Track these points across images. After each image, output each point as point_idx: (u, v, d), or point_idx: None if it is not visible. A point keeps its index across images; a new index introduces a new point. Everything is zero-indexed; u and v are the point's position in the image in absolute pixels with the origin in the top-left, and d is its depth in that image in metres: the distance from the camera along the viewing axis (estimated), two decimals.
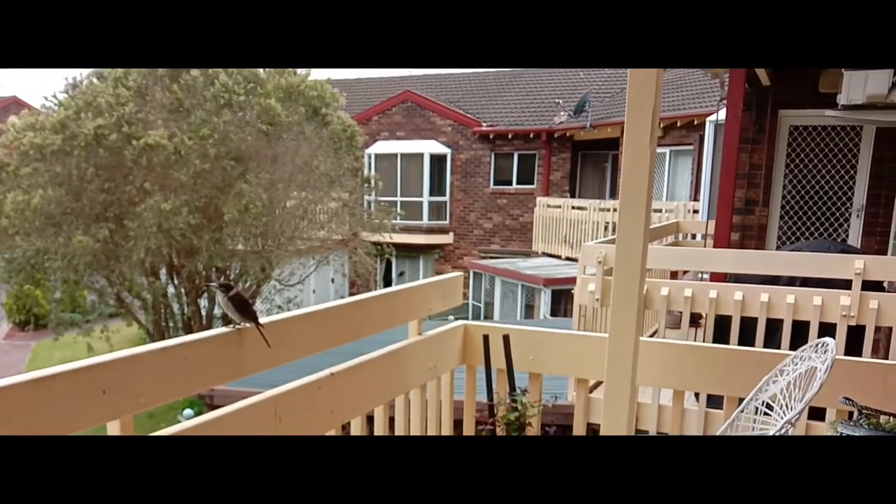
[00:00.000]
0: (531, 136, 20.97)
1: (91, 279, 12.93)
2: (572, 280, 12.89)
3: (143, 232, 11.63)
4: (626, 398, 2.99)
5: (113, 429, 1.75)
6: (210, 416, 2.03)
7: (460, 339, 3.43)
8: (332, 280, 20.28)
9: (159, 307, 13.51)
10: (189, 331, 12.97)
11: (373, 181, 18.14)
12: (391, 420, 2.92)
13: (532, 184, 21.33)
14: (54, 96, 14.11)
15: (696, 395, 4.34)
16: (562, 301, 15.53)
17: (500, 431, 3.19)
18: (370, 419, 2.77)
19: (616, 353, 2.96)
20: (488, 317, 18.31)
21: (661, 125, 16.48)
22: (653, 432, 4.64)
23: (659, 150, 16.67)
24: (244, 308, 2.09)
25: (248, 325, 2.08)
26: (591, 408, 3.79)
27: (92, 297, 13.96)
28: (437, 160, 21.89)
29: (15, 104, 28.19)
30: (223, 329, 2.04)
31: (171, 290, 13.73)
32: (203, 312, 13.86)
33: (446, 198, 22.04)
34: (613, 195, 19.38)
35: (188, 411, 8.28)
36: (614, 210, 16.22)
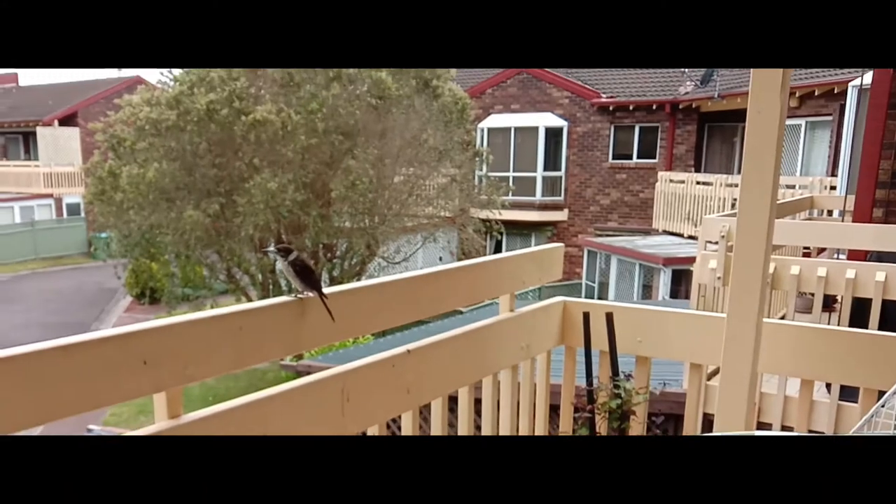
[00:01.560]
0: (654, 107, 20.21)
1: (202, 254, 13.43)
2: (694, 259, 12.33)
3: (252, 208, 11.95)
4: (745, 387, 2.69)
5: (159, 402, 1.66)
6: (274, 391, 1.91)
7: (558, 317, 3.21)
8: (440, 258, 20.33)
9: (267, 283, 13.89)
10: None
11: (484, 155, 17.97)
12: (477, 402, 2.74)
13: (654, 158, 20.62)
14: (170, 72, 14.68)
15: (828, 385, 3.96)
16: (683, 282, 14.93)
17: (599, 420, 2.96)
18: (453, 400, 2.61)
19: (735, 335, 2.67)
20: (602, 298, 17.86)
21: (797, 94, 15.47)
22: (777, 426, 4.29)
23: (793, 121, 15.69)
24: (306, 275, 1.95)
25: (310, 294, 1.95)
26: (708, 396, 3.50)
27: (205, 272, 14.53)
28: (553, 133, 21.48)
29: (138, 83, 29.75)
30: (284, 298, 1.92)
31: (278, 265, 14.08)
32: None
33: (561, 173, 21.62)
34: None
35: None
36: None
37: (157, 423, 1.66)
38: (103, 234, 20.71)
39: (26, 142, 34.35)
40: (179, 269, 15.05)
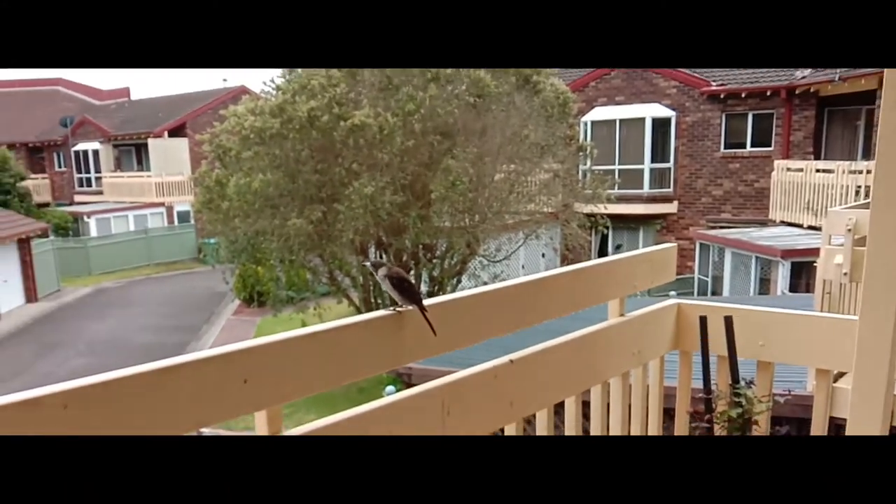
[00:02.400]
0: (768, 93, 19.39)
1: (305, 259, 13.75)
2: (815, 251, 11.74)
3: (351, 213, 12.14)
4: (882, 392, 2.50)
5: (259, 420, 1.66)
6: (374, 405, 1.89)
7: (672, 321, 3.07)
8: (543, 255, 20.13)
9: (368, 285, 14.09)
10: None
11: (588, 149, 17.68)
12: (585, 405, 2.64)
13: (769, 146, 19.79)
14: (272, 81, 15.11)
15: None
16: (803, 275, 14.24)
17: (718, 430, 2.81)
18: (559, 405, 2.53)
19: (868, 338, 2.48)
20: (716, 293, 17.28)
21: None
22: None
23: None
24: (404, 288, 1.92)
25: (410, 307, 1.91)
26: (836, 399, 3.28)
27: (309, 276, 14.90)
28: (660, 124, 20.94)
29: (243, 93, 30.86)
30: (382, 312, 1.89)
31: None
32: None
33: (670, 164, 21.05)
34: (867, 156, 17.45)
35: (390, 388, 8.53)
36: (868, 172, 14.61)
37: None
38: (212, 241, 21.57)
39: (139, 153, 36.17)
40: (284, 274, 15.47)
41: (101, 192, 35.78)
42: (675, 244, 3.22)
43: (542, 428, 2.45)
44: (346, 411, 1.83)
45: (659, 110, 20.89)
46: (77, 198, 36.84)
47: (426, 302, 1.95)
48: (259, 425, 1.67)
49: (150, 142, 33.92)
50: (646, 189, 21.01)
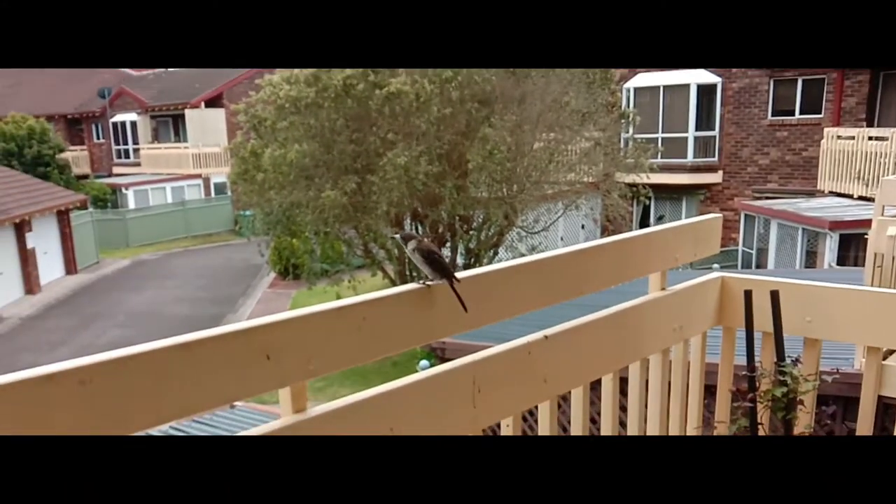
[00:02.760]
0: None
1: (340, 231, 13.76)
2: (866, 223, 11.41)
3: (386, 184, 12.10)
4: None
5: (284, 397, 1.63)
6: (402, 383, 1.85)
7: (716, 295, 2.98)
8: (583, 226, 19.94)
9: (403, 257, 14.08)
10: None
11: (630, 116, 17.39)
12: (622, 381, 2.58)
13: (819, 113, 19.29)
14: None
15: None
16: (852, 248, 13.91)
17: (762, 409, 2.73)
18: (595, 383, 2.47)
19: None
20: (761, 266, 16.97)
21: None
22: None
23: None
24: (434, 261, 1.87)
25: (440, 281, 1.87)
26: (885, 378, 3.17)
27: (344, 248, 14.93)
28: (706, 91, 20.52)
29: None
30: (412, 286, 1.85)
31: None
32: (447, 261, 14.23)
33: (715, 132, 20.66)
34: None
35: (424, 362, 8.54)
36: None
37: (283, 418, 1.64)
38: (247, 213, 21.75)
39: (175, 124, 36.51)
40: (319, 246, 15.52)
41: (138, 164, 36.25)
42: (720, 215, 3.13)
43: (578, 405, 2.40)
44: (375, 388, 1.79)
45: (704, 76, 20.46)
46: (115, 169, 37.37)
47: (458, 275, 1.90)
48: (283, 402, 1.65)
49: (188, 112, 34.19)
50: (689, 158, 20.66)
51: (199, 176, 33.85)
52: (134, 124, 37.09)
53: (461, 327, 1.95)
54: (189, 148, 33.93)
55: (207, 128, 33.70)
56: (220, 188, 33.30)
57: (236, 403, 7.51)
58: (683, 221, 2.94)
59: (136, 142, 37.10)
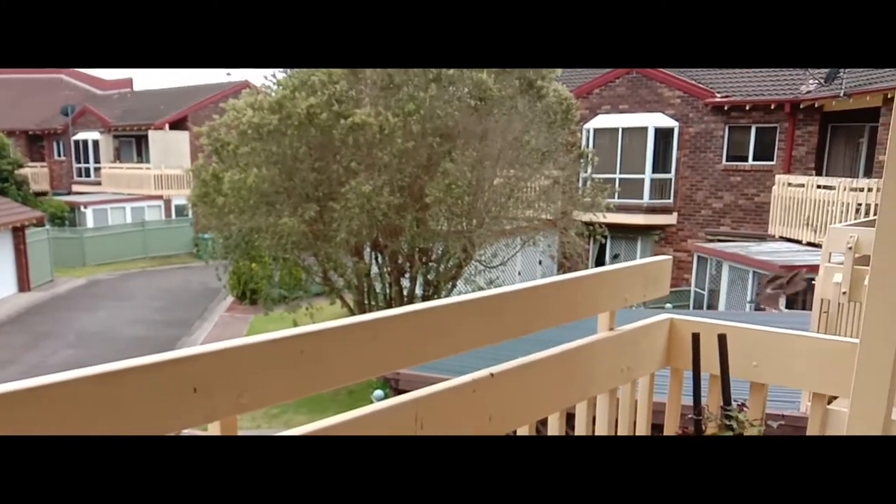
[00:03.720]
0: (772, 107, 19.29)
1: (299, 257, 13.62)
2: (814, 268, 11.63)
3: (347, 213, 12.02)
4: (880, 418, 2.39)
5: (213, 430, 1.54)
6: (341, 419, 1.78)
7: (664, 337, 2.95)
8: (540, 262, 20.02)
9: (363, 286, 13.97)
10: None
11: (589, 156, 17.57)
12: (570, 417, 2.52)
13: (771, 160, 19.72)
14: (273, 76, 14.98)
15: None
16: (800, 292, 14.14)
17: None
18: (542, 423, 2.41)
19: (869, 363, 2.37)
20: (712, 307, 17.18)
21: None
22: None
23: None
24: None
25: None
26: (829, 422, 3.17)
27: (303, 275, 14.78)
28: (663, 134, 20.86)
29: (245, 87, 30.75)
30: (352, 319, 1.77)
31: (374, 269, 14.14)
32: (405, 292, 14.14)
33: (671, 175, 20.97)
34: (869, 173, 17.38)
35: (379, 392, 8.43)
36: (869, 190, 14.54)
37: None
38: (206, 236, 21.46)
39: (139, 145, 36.06)
40: (278, 272, 15.35)
41: (99, 183, 35.67)
42: (670, 257, 3.11)
43: None
44: (312, 424, 1.71)
45: (662, 120, 20.80)
46: (75, 188, 36.71)
47: (403, 309, 1.84)
48: None
49: (151, 133, 33.82)
50: (646, 199, 20.92)
51: (160, 197, 33.40)
52: (96, 143, 36.55)
53: (409, 362, 1.88)
54: (151, 169, 33.52)
55: (171, 150, 33.34)
56: (180, 210, 32.86)
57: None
58: (634, 262, 2.92)
59: (97, 160, 36.54)
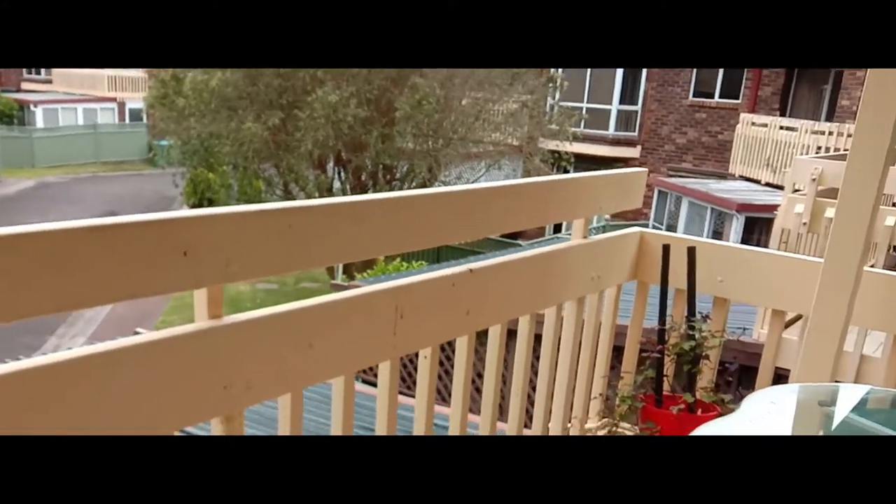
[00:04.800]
0: None
1: (260, 167, 13.44)
2: (770, 208, 11.85)
3: (312, 123, 11.84)
4: (835, 340, 2.50)
5: (199, 300, 1.55)
6: (321, 300, 1.80)
7: (634, 249, 3.02)
8: None
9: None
10: None
11: (558, 82, 17.45)
12: (538, 338, 2.59)
13: (737, 98, 19.84)
14: None
15: None
16: (755, 230, 14.46)
17: (668, 361, 2.79)
18: (511, 333, 2.47)
19: (832, 281, 2.46)
20: None
21: None
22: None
23: None
24: None
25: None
26: (783, 349, 3.29)
27: (263, 186, 14.59)
28: None
29: None
30: (340, 199, 1.78)
31: (336, 184, 14.03)
32: None
33: (638, 107, 21.00)
34: (831, 117, 17.61)
35: None
36: (830, 133, 14.76)
37: (197, 323, 1.56)
38: (164, 142, 20.97)
39: None
40: (237, 181, 15.12)
41: (50, 81, 34.45)
42: (645, 169, 3.16)
43: (494, 344, 2.39)
44: (294, 303, 1.73)
45: None
46: (24, 85, 35.40)
47: (393, 193, 1.85)
48: (198, 307, 1.57)
49: None
50: (611, 130, 20.98)
51: (113, 99, 32.43)
52: None
53: (387, 248, 1.90)
54: (105, 69, 32.45)
55: None
56: (135, 114, 31.99)
57: (140, 330, 7.27)
58: (611, 171, 2.95)
59: None
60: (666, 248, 2.83)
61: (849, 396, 1.80)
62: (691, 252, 2.80)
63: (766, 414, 1.50)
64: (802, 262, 2.80)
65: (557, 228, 17.09)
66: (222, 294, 1.60)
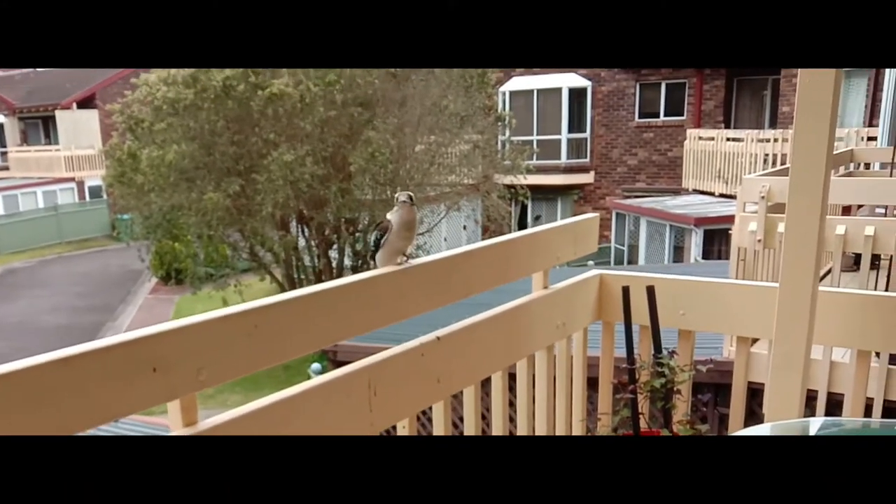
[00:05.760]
0: None
1: (225, 234, 13.38)
2: (727, 219, 12.05)
3: (271, 185, 11.85)
4: (801, 357, 2.54)
5: (173, 410, 1.55)
6: (296, 390, 1.80)
7: (595, 292, 3.06)
8: (465, 227, 20.15)
9: (291, 260, 13.84)
10: (319, 283, 13.20)
11: (507, 119, 17.68)
12: (511, 377, 2.60)
13: (682, 115, 20.24)
14: None
15: (877, 352, 3.81)
16: (715, 242, 14.67)
17: (642, 399, 2.82)
18: (486, 382, 2.48)
19: (788, 305, 2.51)
20: (632, 262, 17.65)
21: None
22: (823, 393, 4.17)
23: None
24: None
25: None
26: (753, 365, 3.34)
27: (229, 251, 14.51)
28: (577, 94, 21.14)
29: None
30: (302, 291, 1.80)
31: (301, 242, 14.01)
32: (333, 264, 14.07)
33: (586, 134, 21.32)
34: (774, 124, 18.04)
35: (316, 365, 8.40)
36: (774, 140, 15.12)
37: (173, 432, 1.55)
38: (125, 216, 20.82)
39: (46, 126, 34.52)
40: (203, 250, 15.03)
41: (6, 168, 34.06)
42: (597, 215, 3.21)
43: (470, 404, 2.40)
44: (269, 397, 1.73)
45: (575, 80, 21.06)
46: None
47: (343, 280, 1.88)
48: (172, 416, 1.57)
49: (58, 114, 32.41)
50: (563, 159, 21.24)
51: (72, 179, 32.13)
52: (1, 126, 34.85)
53: (354, 331, 1.91)
54: (61, 150, 32.18)
55: (80, 129, 32.05)
56: (95, 192, 31.70)
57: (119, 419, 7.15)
58: (563, 222, 3.00)
59: (3, 145, 34.87)
60: (626, 290, 2.88)
61: (818, 431, 1.84)
62: (650, 291, 2.84)
63: None
64: (760, 289, 2.85)
65: None
66: (196, 402, 1.60)
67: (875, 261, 5.26)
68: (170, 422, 1.58)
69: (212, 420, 1.61)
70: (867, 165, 9.63)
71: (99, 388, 1.36)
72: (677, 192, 19.15)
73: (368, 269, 2.13)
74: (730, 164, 16.48)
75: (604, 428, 2.94)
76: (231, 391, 11.73)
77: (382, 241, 2.04)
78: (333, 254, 14.22)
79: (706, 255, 14.80)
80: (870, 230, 4.51)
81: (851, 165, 9.39)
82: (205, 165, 12.82)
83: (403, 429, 2.13)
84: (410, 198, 2.08)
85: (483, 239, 19.71)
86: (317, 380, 1.87)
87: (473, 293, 2.35)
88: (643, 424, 2.83)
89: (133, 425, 7.21)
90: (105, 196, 29.74)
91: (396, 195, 2.09)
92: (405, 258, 2.07)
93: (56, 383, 1.30)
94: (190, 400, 1.57)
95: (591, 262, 13.59)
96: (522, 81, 21.45)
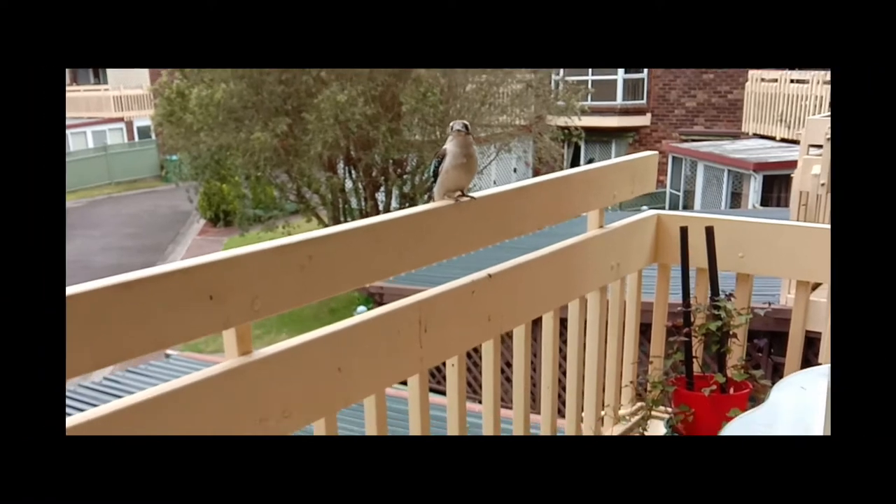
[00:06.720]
0: None
1: (272, 175, 13.49)
2: (788, 164, 11.76)
3: (320, 125, 11.85)
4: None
5: (229, 339, 1.59)
6: (348, 324, 1.83)
7: (652, 233, 3.03)
8: (515, 169, 20.01)
9: (337, 202, 13.91)
10: None
11: None
12: (562, 321, 2.61)
13: None
14: None
15: None
16: (775, 188, 14.34)
17: (696, 343, 2.80)
18: (536, 324, 2.49)
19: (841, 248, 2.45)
20: (688, 207, 17.38)
21: None
22: None
23: None
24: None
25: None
26: (811, 313, 3.29)
27: (276, 193, 14.65)
28: None
29: None
30: (355, 224, 1.82)
31: (348, 184, 14.06)
32: (380, 207, 14.12)
33: (643, 74, 20.82)
34: None
35: (362, 308, 8.50)
36: None
37: (229, 361, 1.60)
38: (174, 157, 21.13)
39: None
40: (250, 191, 15.19)
41: None
42: (656, 152, 3.16)
43: (520, 344, 2.41)
44: (321, 330, 1.76)
45: None
46: None
47: (399, 212, 1.89)
48: (228, 345, 1.61)
49: None
50: (619, 101, 20.84)
51: (121, 119, 32.62)
52: None
53: (406, 266, 1.93)
54: (110, 90, 32.63)
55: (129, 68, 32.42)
56: (143, 132, 32.16)
57: (170, 352, 7.39)
58: (621, 159, 2.96)
59: None
60: (684, 231, 2.84)
61: None
62: (709, 232, 2.81)
63: (796, 404, 1.51)
64: (823, 231, 2.79)
65: None
66: (251, 331, 1.64)
67: None
68: (225, 350, 1.62)
69: (267, 349, 1.66)
70: None
71: (157, 313, 1.40)
72: (737, 136, 18.70)
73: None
74: (793, 107, 15.99)
75: (656, 371, 2.94)
76: (278, 332, 12.00)
77: (439, 169, 2.03)
78: (380, 196, 14.27)
79: (765, 201, 14.49)
80: None
81: None
82: (253, 105, 12.87)
83: (453, 367, 2.15)
84: (466, 126, 2.06)
85: None
86: (367, 314, 1.90)
87: (528, 231, 2.35)
88: (696, 368, 2.83)
89: (183, 362, 7.43)
90: (154, 136, 30.15)
91: (451, 124, 2.07)
92: (462, 195, 2.06)
93: (116, 308, 1.34)
94: (245, 329, 1.60)
95: (644, 207, 13.44)
96: None
